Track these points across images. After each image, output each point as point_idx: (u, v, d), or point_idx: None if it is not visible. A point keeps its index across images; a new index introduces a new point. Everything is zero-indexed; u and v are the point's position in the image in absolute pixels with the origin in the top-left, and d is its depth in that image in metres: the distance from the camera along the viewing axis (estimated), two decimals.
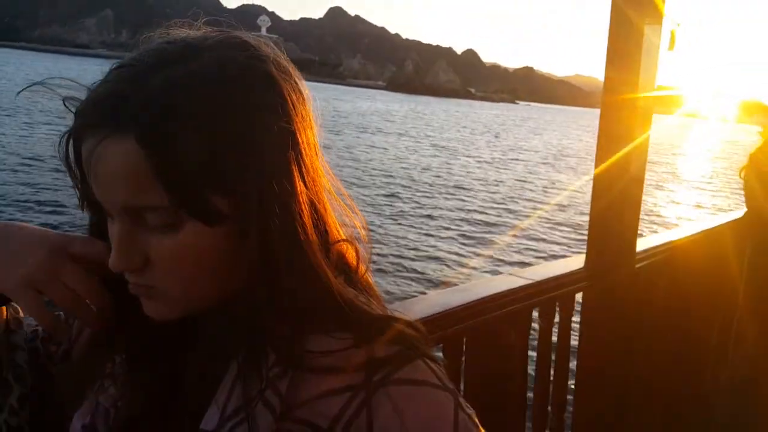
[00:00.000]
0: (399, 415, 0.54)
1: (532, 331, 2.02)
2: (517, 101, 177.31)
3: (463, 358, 1.82)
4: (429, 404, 0.56)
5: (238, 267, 0.57)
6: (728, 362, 3.21)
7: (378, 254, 11.01)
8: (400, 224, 13.51)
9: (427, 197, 17.08)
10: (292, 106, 0.58)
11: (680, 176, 29.06)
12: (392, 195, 16.96)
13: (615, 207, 2.07)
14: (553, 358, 2.17)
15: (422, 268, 10.49)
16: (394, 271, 10.24)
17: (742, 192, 3.05)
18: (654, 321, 2.56)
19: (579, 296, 2.21)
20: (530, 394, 2.10)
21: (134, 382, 0.64)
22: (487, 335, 1.87)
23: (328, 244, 0.62)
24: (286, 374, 0.56)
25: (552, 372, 2.17)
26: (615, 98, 1.96)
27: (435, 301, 1.75)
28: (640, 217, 2.23)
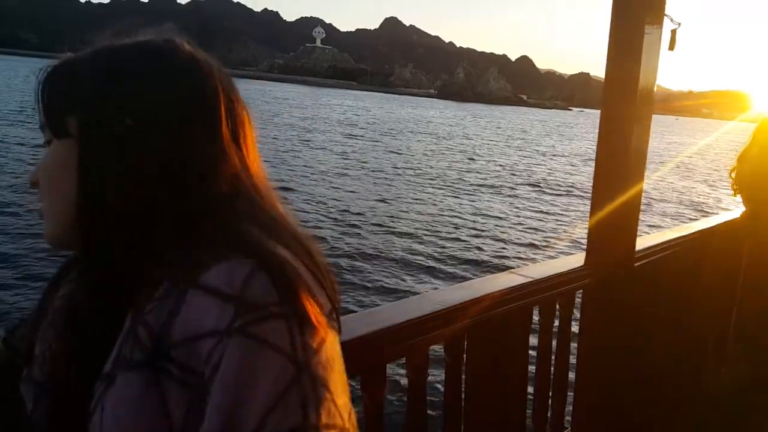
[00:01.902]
0: (231, 368, 0.54)
1: (532, 329, 2.03)
2: (571, 107, 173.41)
3: (465, 356, 1.83)
4: (260, 368, 0.54)
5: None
6: (728, 357, 3.15)
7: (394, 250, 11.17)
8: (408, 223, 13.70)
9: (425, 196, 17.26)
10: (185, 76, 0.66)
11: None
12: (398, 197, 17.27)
13: (615, 206, 2.05)
14: (554, 355, 2.17)
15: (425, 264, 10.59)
16: (402, 266, 10.35)
17: (732, 191, 3.03)
18: (654, 319, 2.53)
19: (579, 294, 2.20)
20: (531, 390, 2.10)
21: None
22: (488, 333, 1.89)
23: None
24: (164, 309, 0.58)
25: (552, 370, 2.16)
26: (615, 97, 1.97)
27: (436, 299, 1.78)
28: (640, 216, 2.22)
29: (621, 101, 2.00)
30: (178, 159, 0.63)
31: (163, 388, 0.56)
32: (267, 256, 0.60)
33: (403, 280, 9.71)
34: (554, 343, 2.16)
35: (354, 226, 13.12)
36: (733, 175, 2.96)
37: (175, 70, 0.66)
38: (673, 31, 1.94)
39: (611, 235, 2.11)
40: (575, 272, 2.03)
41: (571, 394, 2.32)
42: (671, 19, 1.93)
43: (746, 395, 3.01)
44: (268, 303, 0.57)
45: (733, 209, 3.26)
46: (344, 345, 1.41)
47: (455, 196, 18.25)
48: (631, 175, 2.06)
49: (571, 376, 2.29)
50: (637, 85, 1.91)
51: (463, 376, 1.83)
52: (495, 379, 1.96)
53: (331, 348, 0.60)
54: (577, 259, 2.12)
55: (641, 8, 1.96)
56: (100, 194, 0.62)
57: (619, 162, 2.02)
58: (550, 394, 2.17)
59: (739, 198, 3.00)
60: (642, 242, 2.32)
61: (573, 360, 2.28)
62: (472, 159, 29.72)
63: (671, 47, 1.96)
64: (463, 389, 1.88)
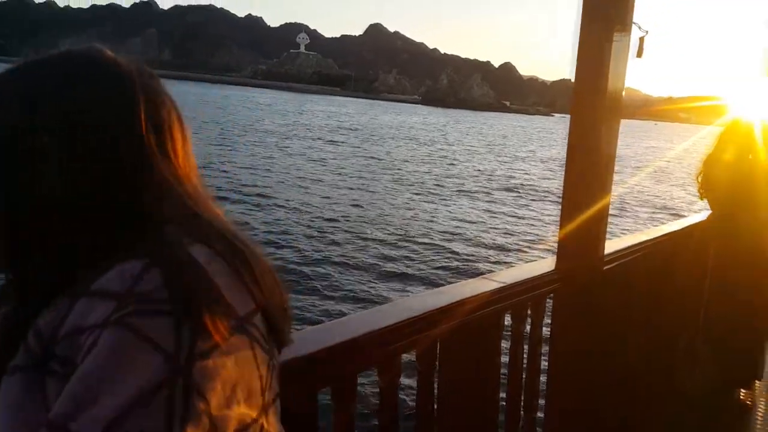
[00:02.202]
0: (98, 355, 0.52)
1: (504, 333, 2.05)
2: (553, 113, 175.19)
3: (437, 364, 1.83)
4: (130, 360, 0.51)
5: None
6: (698, 358, 3.21)
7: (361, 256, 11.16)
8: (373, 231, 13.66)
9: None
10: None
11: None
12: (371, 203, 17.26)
13: (584, 210, 2.07)
14: (526, 360, 2.17)
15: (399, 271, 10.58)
16: (373, 273, 10.32)
17: (699, 195, 3.10)
18: (626, 321, 2.55)
19: (551, 298, 2.21)
20: (503, 395, 2.10)
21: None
22: (460, 340, 1.89)
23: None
24: (57, 315, 0.56)
25: (524, 375, 2.16)
26: (584, 103, 1.99)
27: (408, 307, 1.76)
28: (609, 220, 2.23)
29: (590, 107, 2.01)
30: (100, 171, 0.61)
31: (47, 387, 0.54)
32: (164, 255, 0.57)
33: (376, 288, 9.67)
34: (526, 347, 2.16)
35: (327, 232, 13.08)
36: (700, 179, 3.01)
37: (93, 80, 0.65)
38: (641, 39, 1.97)
39: (581, 238, 2.12)
40: (546, 277, 2.03)
41: (543, 401, 2.32)
42: (639, 27, 1.96)
43: (717, 396, 3.05)
44: (155, 299, 0.54)
45: (702, 212, 3.32)
46: (314, 355, 1.41)
47: (431, 202, 18.34)
48: (600, 179, 2.07)
49: (544, 380, 2.30)
50: (605, 92, 1.93)
51: (436, 384, 1.83)
52: (467, 386, 1.96)
53: (226, 355, 0.56)
54: (548, 264, 2.12)
55: (609, 16, 1.98)
56: (20, 212, 0.61)
57: (588, 167, 2.04)
58: (522, 399, 2.17)
59: (706, 201, 3.06)
60: (612, 245, 2.34)
61: (546, 364, 2.29)
62: (452, 164, 29.97)
63: (639, 54, 1.98)
64: (435, 397, 1.87)
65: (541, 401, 2.30)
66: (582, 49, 1.98)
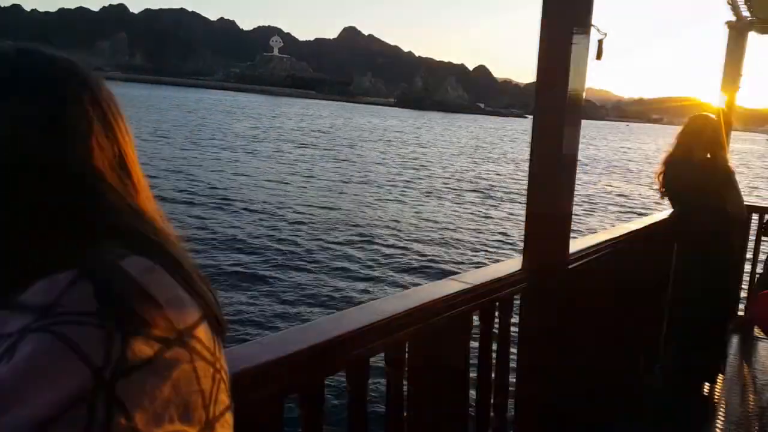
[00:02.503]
0: (16, 361, 0.48)
1: (473, 334, 2.06)
2: (526, 115, 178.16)
3: (406, 365, 1.85)
4: (53, 368, 0.48)
5: None
6: (661, 355, 3.29)
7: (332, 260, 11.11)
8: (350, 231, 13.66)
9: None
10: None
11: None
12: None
13: (548, 210, 2.10)
14: (494, 360, 2.18)
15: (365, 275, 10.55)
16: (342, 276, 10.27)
17: (659, 193, 3.18)
18: (591, 318, 2.59)
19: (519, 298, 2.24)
20: (473, 394, 2.12)
21: None
22: (429, 340, 1.90)
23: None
24: None
25: (494, 373, 2.18)
26: (545, 104, 2.02)
27: (377, 309, 1.77)
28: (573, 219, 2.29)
29: (551, 108, 2.04)
30: (37, 177, 0.59)
31: None
32: (96, 267, 0.55)
33: (343, 290, 9.60)
34: (495, 347, 2.17)
35: (292, 235, 12.95)
36: (660, 178, 3.08)
37: (26, 80, 0.61)
38: (600, 41, 2.00)
39: (546, 238, 2.14)
40: (512, 277, 2.05)
41: (512, 400, 2.33)
42: (598, 30, 1.99)
43: (682, 391, 3.12)
44: (83, 311, 0.51)
45: (666, 211, 3.39)
46: (280, 361, 1.39)
47: (401, 203, 18.41)
48: (563, 179, 2.10)
49: (514, 379, 2.32)
50: (566, 93, 1.96)
51: (405, 386, 1.82)
52: (437, 387, 1.96)
53: (158, 370, 0.53)
54: (515, 264, 2.14)
55: (569, 18, 2.01)
56: None
57: (550, 167, 2.06)
58: (492, 398, 2.18)
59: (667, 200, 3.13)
60: (577, 244, 2.38)
61: (515, 363, 2.31)
62: (423, 166, 30.10)
63: (598, 57, 2.02)
64: (405, 399, 1.87)
65: (511, 400, 2.32)
66: (542, 51, 2.01)
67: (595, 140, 76.75)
